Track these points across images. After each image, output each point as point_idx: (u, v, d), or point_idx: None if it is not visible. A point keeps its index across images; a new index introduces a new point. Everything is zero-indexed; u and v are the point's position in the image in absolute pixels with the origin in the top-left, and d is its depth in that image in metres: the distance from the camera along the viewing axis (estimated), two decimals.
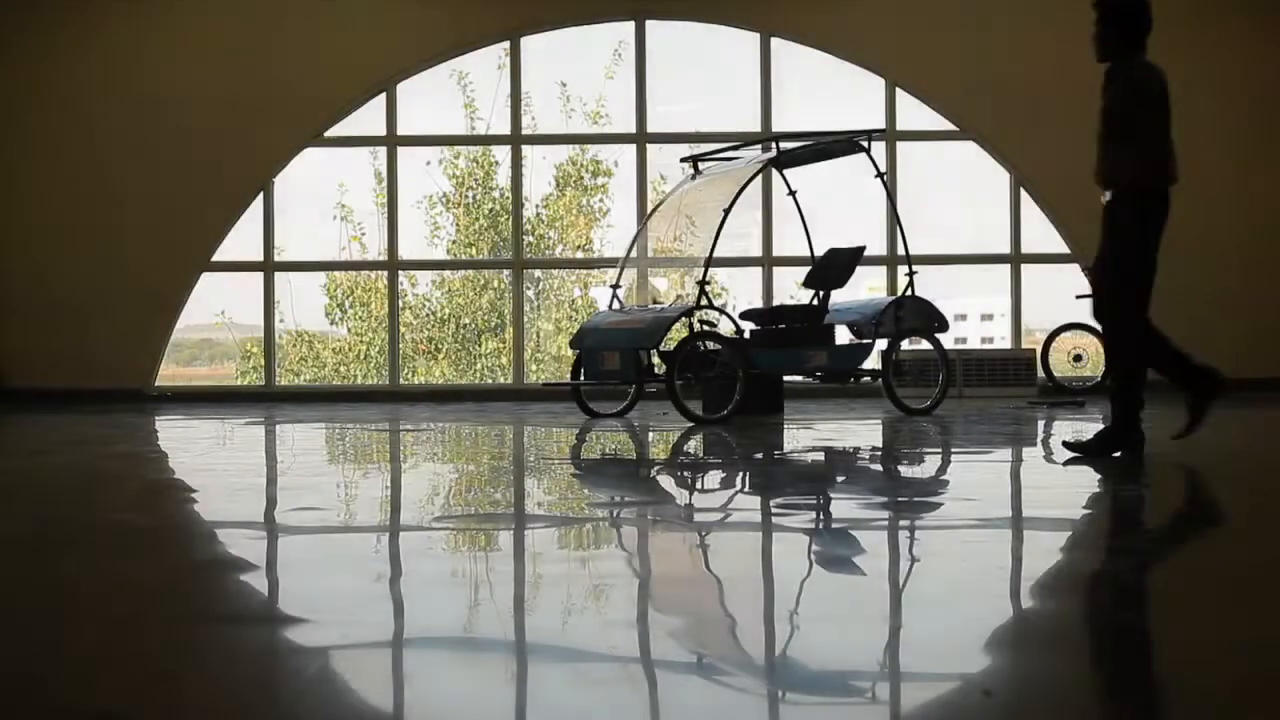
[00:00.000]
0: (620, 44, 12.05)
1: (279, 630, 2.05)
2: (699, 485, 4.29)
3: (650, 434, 6.82)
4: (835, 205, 11.37)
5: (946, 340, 8.79)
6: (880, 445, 5.92)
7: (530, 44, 11.80)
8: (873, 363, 8.33)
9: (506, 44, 11.78)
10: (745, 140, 9.56)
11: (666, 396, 7.66)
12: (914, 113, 11.62)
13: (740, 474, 4.58)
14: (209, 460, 5.37)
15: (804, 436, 6.43)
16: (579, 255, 13.03)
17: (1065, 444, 5.15)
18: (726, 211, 7.95)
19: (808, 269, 8.77)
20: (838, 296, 8.62)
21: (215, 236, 11.53)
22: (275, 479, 4.59)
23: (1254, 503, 3.66)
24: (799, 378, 10.02)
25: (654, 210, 9.43)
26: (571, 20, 11.78)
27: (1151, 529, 3.10)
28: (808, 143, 8.64)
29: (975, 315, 17.42)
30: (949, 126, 11.54)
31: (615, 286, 8.61)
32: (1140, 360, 4.98)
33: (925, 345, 8.68)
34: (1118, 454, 4.83)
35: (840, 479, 4.49)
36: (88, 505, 3.71)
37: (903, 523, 3.21)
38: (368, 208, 12.41)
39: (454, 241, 12.87)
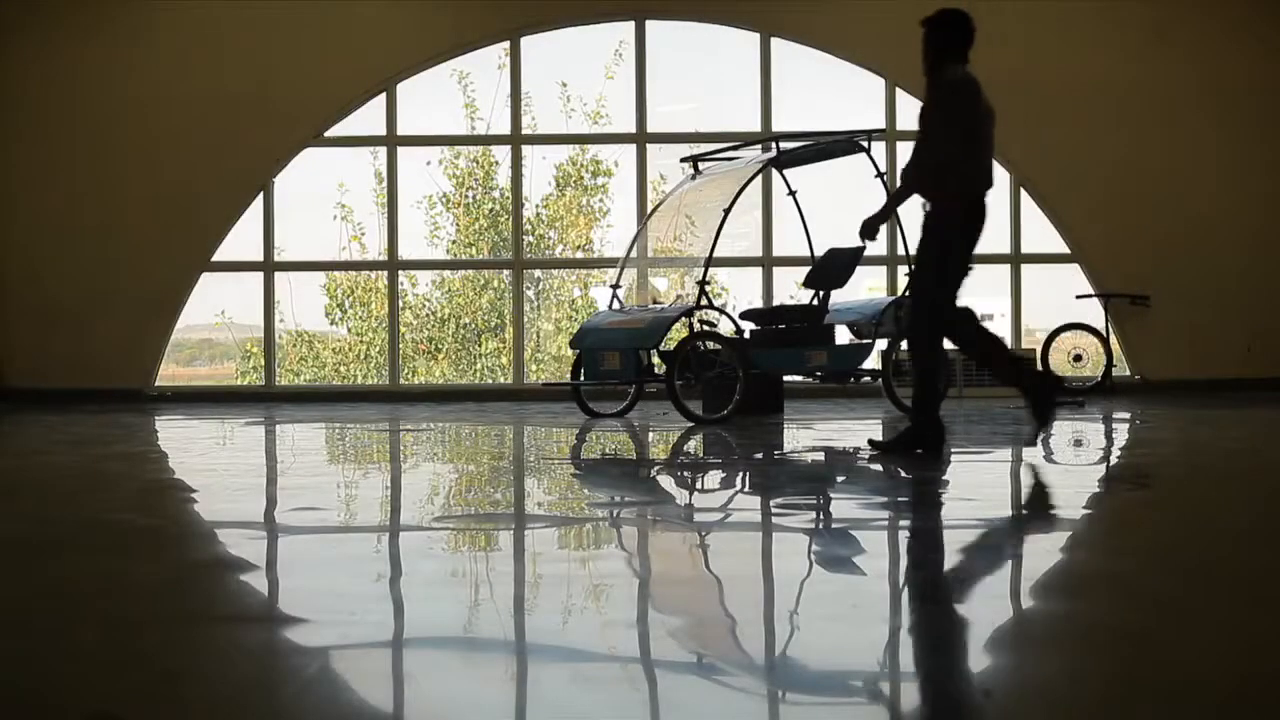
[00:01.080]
0: (620, 44, 12.05)
1: (279, 630, 2.05)
2: (699, 485, 4.29)
3: (650, 434, 6.82)
4: (835, 205, 11.36)
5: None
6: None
7: (530, 44, 11.80)
8: (873, 363, 8.33)
9: (506, 44, 11.78)
10: (745, 140, 9.56)
11: (666, 396, 7.66)
12: (914, 113, 11.58)
13: (740, 474, 4.58)
14: (209, 460, 5.37)
15: (804, 436, 6.43)
16: (579, 255, 13.03)
17: (870, 441, 5.38)
18: (726, 211, 7.96)
19: (808, 269, 8.77)
20: (838, 296, 8.62)
21: (215, 236, 11.53)
22: (275, 479, 4.59)
23: (1255, 503, 3.66)
24: (799, 378, 10.02)
25: (654, 210, 9.43)
26: (571, 20, 11.78)
27: (1152, 529, 3.10)
28: (808, 143, 8.64)
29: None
30: None
31: (615, 286, 8.61)
32: (936, 360, 5.15)
33: None
34: (920, 450, 4.99)
35: (840, 479, 4.49)
36: (88, 505, 3.71)
37: (903, 523, 3.21)
38: (368, 208, 12.41)
39: (454, 241, 12.87)
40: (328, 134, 11.61)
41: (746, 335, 8.50)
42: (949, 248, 5.12)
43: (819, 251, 8.85)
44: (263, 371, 12.00)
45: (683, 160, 9.40)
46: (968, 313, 5.25)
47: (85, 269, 11.45)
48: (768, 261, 11.66)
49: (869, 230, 5.44)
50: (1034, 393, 5.18)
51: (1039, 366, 4.96)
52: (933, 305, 5.12)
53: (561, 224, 12.87)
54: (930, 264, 5.14)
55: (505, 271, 12.29)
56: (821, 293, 8.46)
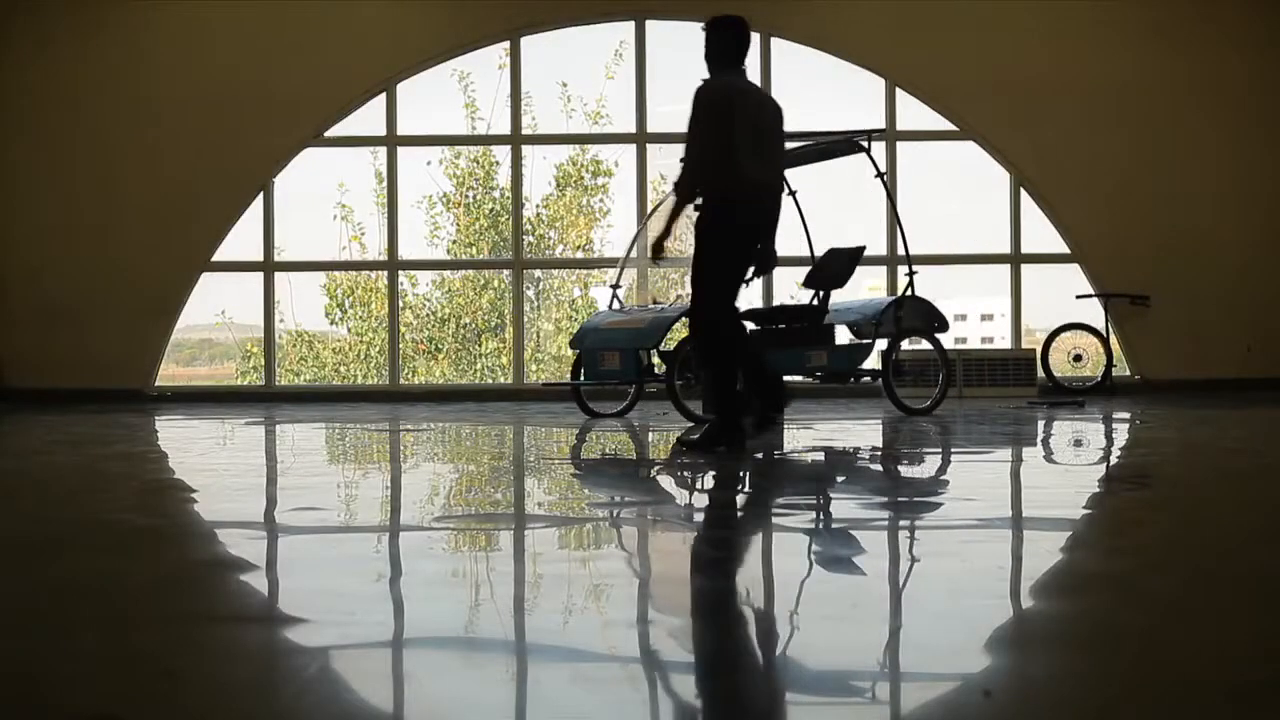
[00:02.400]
0: (620, 44, 12.06)
1: (279, 630, 2.05)
2: (699, 485, 4.29)
3: (650, 434, 6.82)
4: (835, 205, 11.37)
5: (946, 340, 8.79)
6: (880, 445, 5.92)
7: (530, 44, 11.80)
8: (873, 363, 8.33)
9: (506, 44, 11.78)
10: None
11: (666, 396, 7.66)
12: (914, 113, 11.62)
13: (740, 474, 4.58)
14: (209, 460, 5.37)
15: (804, 436, 6.43)
16: (579, 255, 13.03)
17: (679, 440, 5.53)
18: None
19: (808, 269, 8.77)
20: (838, 296, 8.62)
21: (215, 236, 11.54)
22: (275, 479, 4.59)
23: (1255, 503, 3.66)
24: (799, 378, 10.03)
25: (654, 210, 9.43)
26: (571, 20, 11.79)
27: (1152, 529, 3.10)
28: (808, 143, 8.64)
29: (975, 315, 17.42)
30: (949, 126, 11.55)
31: (615, 286, 8.61)
32: (733, 357, 5.34)
33: (925, 345, 8.68)
34: (723, 448, 5.20)
35: (840, 479, 4.49)
36: (88, 505, 3.71)
37: (903, 523, 3.21)
38: (368, 208, 12.42)
39: (454, 241, 12.87)
40: (328, 134, 11.62)
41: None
42: (712, 253, 5.32)
43: (819, 251, 8.85)
44: (263, 371, 12.00)
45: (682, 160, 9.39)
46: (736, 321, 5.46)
47: (85, 269, 11.46)
48: None
49: (654, 251, 5.56)
50: (721, 422, 5.28)
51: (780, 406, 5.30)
52: (709, 310, 5.34)
53: (561, 224, 12.87)
54: (698, 269, 5.36)
55: (505, 271, 12.30)
56: (821, 293, 8.46)
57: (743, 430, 5.26)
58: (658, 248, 5.53)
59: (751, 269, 5.50)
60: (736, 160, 5.32)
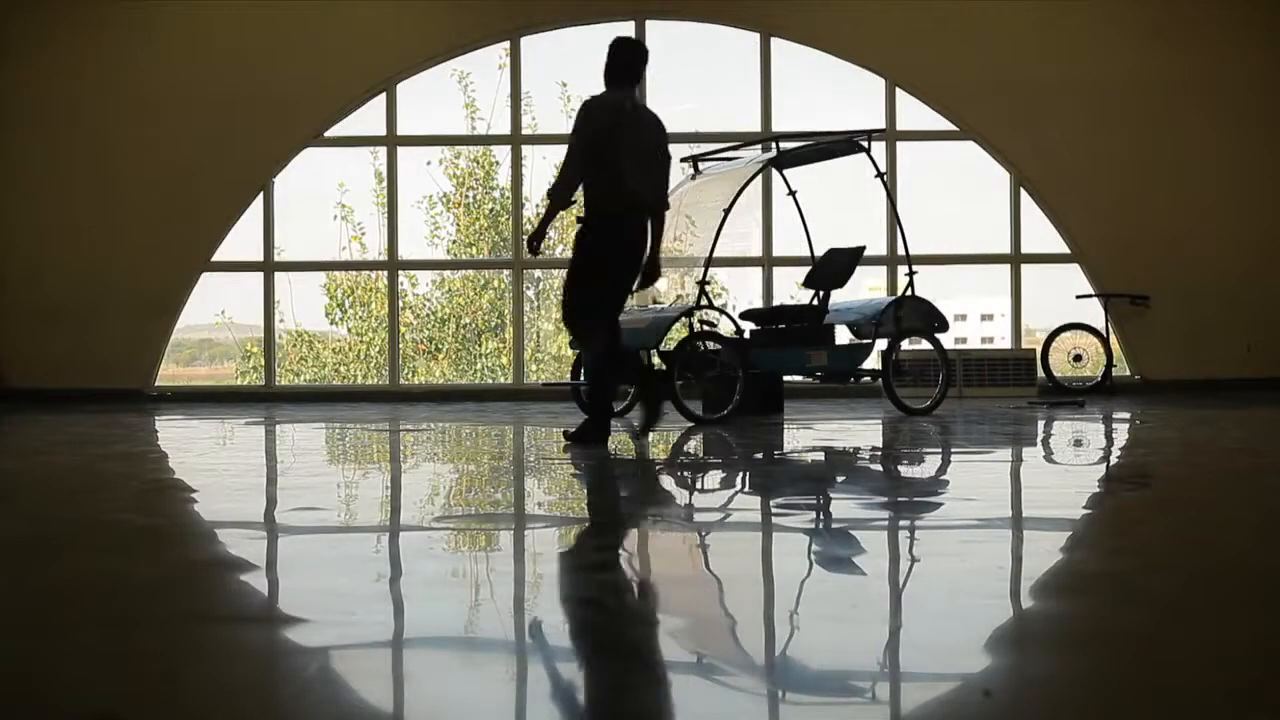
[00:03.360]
0: None
1: (279, 630, 2.05)
2: (699, 485, 4.29)
3: (650, 434, 6.81)
4: (835, 205, 11.37)
5: (946, 340, 8.78)
6: (880, 445, 5.92)
7: (530, 44, 11.80)
8: (873, 363, 8.33)
9: (506, 44, 11.78)
10: (745, 140, 9.56)
11: (666, 396, 7.66)
12: (914, 113, 11.62)
13: (740, 474, 4.58)
14: (209, 460, 5.37)
15: (804, 436, 6.43)
16: None
17: (564, 433, 5.86)
18: (726, 211, 7.96)
19: (808, 269, 8.77)
20: (838, 296, 8.62)
21: (215, 236, 11.54)
22: (275, 479, 4.59)
23: (1255, 503, 3.66)
24: (799, 378, 10.02)
25: None
26: (571, 20, 11.79)
27: (1152, 529, 3.10)
28: (808, 143, 8.64)
29: (975, 315, 17.43)
30: (949, 126, 11.55)
31: None
32: (610, 366, 5.68)
33: (925, 345, 8.68)
34: (597, 443, 5.61)
35: (840, 479, 4.49)
36: (88, 505, 3.71)
37: (903, 523, 3.21)
38: (368, 208, 12.42)
39: (454, 241, 12.87)
40: (328, 134, 11.62)
41: (746, 335, 8.50)
42: (593, 264, 5.63)
43: (819, 251, 8.85)
44: (263, 371, 12.00)
45: (683, 160, 9.39)
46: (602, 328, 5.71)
47: (85, 269, 11.46)
48: (768, 261, 11.66)
49: (530, 245, 5.84)
50: (594, 420, 5.66)
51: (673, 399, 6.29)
52: (580, 318, 5.68)
53: (562, 224, 12.87)
54: (573, 277, 5.69)
55: (505, 271, 12.30)
56: (821, 293, 8.46)
57: (605, 429, 5.66)
58: (531, 247, 5.82)
59: (638, 280, 5.81)
60: (620, 175, 5.57)
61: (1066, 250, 11.62)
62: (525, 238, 5.86)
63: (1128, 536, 3.03)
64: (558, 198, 5.69)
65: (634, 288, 5.84)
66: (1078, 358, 11.28)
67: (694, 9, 11.66)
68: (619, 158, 5.57)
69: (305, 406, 10.48)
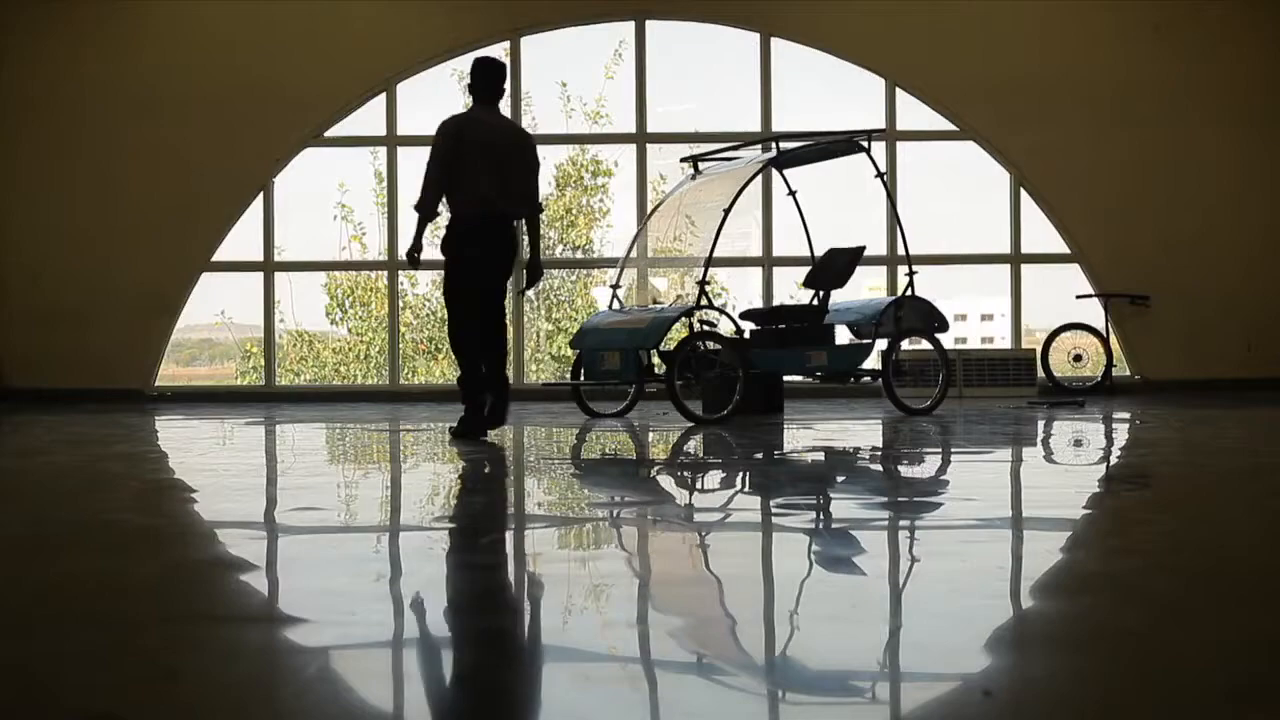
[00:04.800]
0: (620, 44, 12.06)
1: (279, 630, 2.05)
2: (699, 485, 4.29)
3: (650, 434, 6.82)
4: (835, 205, 11.37)
5: (946, 340, 8.79)
6: (880, 445, 5.92)
7: (530, 44, 11.80)
8: (873, 363, 8.33)
9: (506, 44, 11.78)
10: (745, 140, 9.56)
11: (666, 396, 7.66)
12: (914, 113, 11.62)
13: (740, 474, 4.58)
14: (209, 460, 5.37)
15: (804, 436, 6.43)
16: (579, 255, 13.03)
17: (450, 429, 6.34)
18: (726, 211, 7.96)
19: (808, 269, 8.77)
20: (838, 296, 8.62)
21: (215, 236, 11.54)
22: (275, 479, 4.59)
23: (1255, 503, 3.66)
24: (799, 378, 10.02)
25: (654, 210, 9.43)
26: (571, 20, 11.79)
27: (1152, 529, 3.10)
28: (808, 143, 8.64)
29: (975, 315, 17.42)
30: (949, 126, 11.55)
31: (615, 286, 8.61)
32: (467, 361, 6.20)
33: (925, 345, 8.68)
34: (468, 434, 6.11)
35: (840, 479, 4.49)
36: (88, 505, 3.71)
37: (903, 523, 3.21)
38: (368, 208, 12.41)
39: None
40: (328, 134, 11.62)
41: (746, 335, 8.50)
42: (451, 266, 6.19)
43: (819, 251, 8.85)
44: (263, 371, 12.00)
45: (683, 160, 9.40)
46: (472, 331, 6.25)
47: (85, 269, 11.46)
48: (768, 261, 11.66)
49: (409, 257, 6.32)
50: (465, 413, 6.20)
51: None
52: (450, 315, 6.26)
53: (561, 224, 12.87)
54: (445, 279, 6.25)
55: None
56: (821, 293, 8.46)
57: (479, 426, 6.14)
58: (410, 259, 6.30)
59: (525, 280, 6.45)
60: (469, 184, 6.11)
61: (1066, 250, 11.62)
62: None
63: (1128, 536, 3.03)
64: (421, 210, 6.23)
65: (524, 289, 6.35)
66: (1078, 358, 11.29)
67: (694, 9, 11.66)
68: (468, 168, 6.12)
69: (305, 406, 10.48)
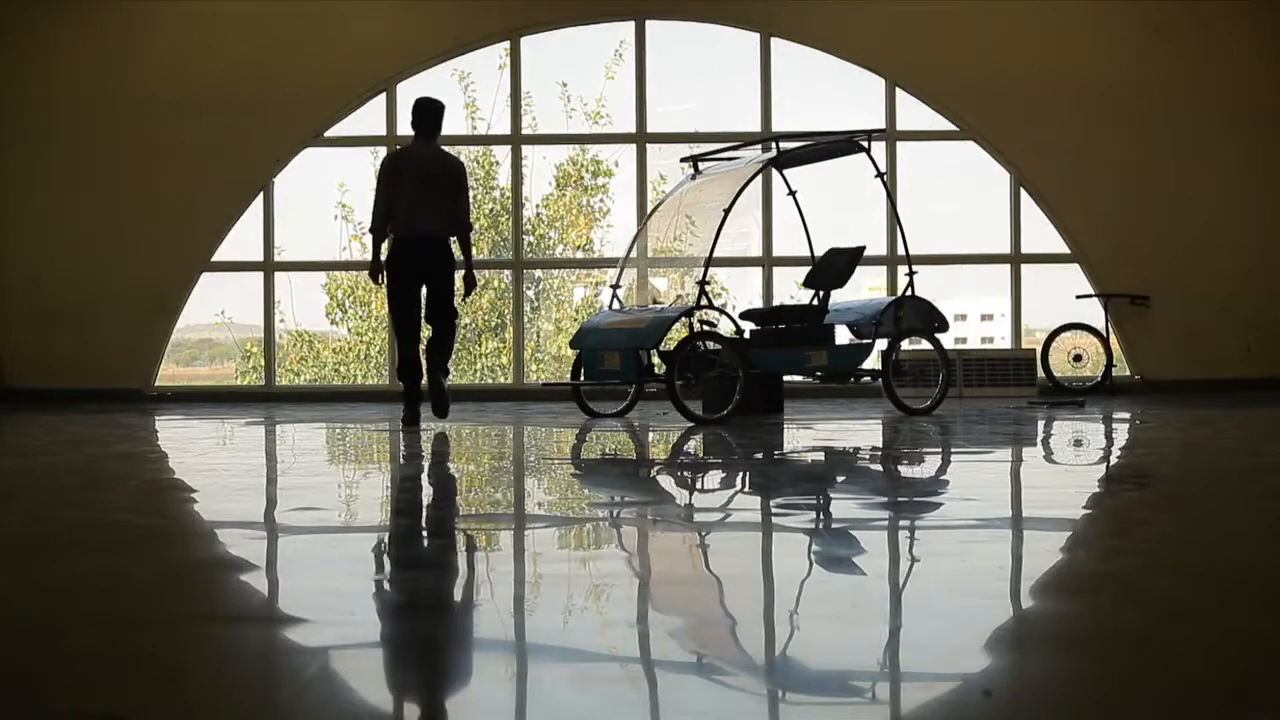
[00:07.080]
0: (620, 44, 12.06)
1: (279, 630, 2.05)
2: (699, 485, 4.29)
3: (650, 434, 6.82)
4: (835, 205, 11.37)
5: (946, 340, 8.78)
6: (880, 445, 5.92)
7: (530, 44, 11.80)
8: (873, 363, 8.33)
9: (506, 44, 11.78)
10: (745, 140, 9.56)
11: (666, 396, 7.66)
12: (914, 113, 11.62)
13: (740, 474, 4.58)
14: (209, 460, 5.37)
15: (804, 436, 6.43)
16: (579, 255, 13.03)
17: (402, 419, 7.18)
18: (726, 211, 7.96)
19: (808, 269, 8.77)
20: (838, 296, 8.62)
21: (215, 236, 11.54)
22: (275, 479, 4.59)
23: (1255, 503, 3.66)
24: (799, 378, 10.02)
25: (654, 210, 9.43)
26: (571, 20, 11.79)
27: (1152, 529, 3.10)
28: (808, 143, 8.64)
29: (975, 315, 17.42)
30: (949, 126, 11.55)
31: (615, 286, 8.61)
32: (407, 365, 7.17)
33: (925, 345, 8.68)
34: (407, 422, 7.13)
35: (840, 479, 4.49)
36: (88, 505, 3.71)
37: (903, 523, 3.21)
38: (368, 208, 12.40)
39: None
40: (328, 134, 11.62)
41: (746, 335, 8.50)
42: (389, 287, 7.17)
43: (819, 251, 8.85)
44: (263, 371, 12.00)
45: (683, 160, 9.40)
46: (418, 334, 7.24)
47: (85, 269, 11.46)
48: (768, 261, 11.66)
49: (371, 274, 7.25)
50: (404, 409, 7.24)
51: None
52: (393, 325, 7.43)
53: (561, 224, 12.87)
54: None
55: (505, 271, 12.30)
56: (821, 293, 8.46)
57: (414, 418, 7.16)
58: (373, 277, 7.22)
59: (462, 289, 7.24)
60: (400, 209, 7.03)
61: (1066, 250, 11.62)
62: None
63: (1128, 536, 3.03)
64: (373, 231, 7.24)
65: (464, 296, 7.27)
66: (1078, 358, 11.28)
67: (694, 9, 11.66)
68: (402, 196, 7.05)
69: (305, 406, 10.48)
